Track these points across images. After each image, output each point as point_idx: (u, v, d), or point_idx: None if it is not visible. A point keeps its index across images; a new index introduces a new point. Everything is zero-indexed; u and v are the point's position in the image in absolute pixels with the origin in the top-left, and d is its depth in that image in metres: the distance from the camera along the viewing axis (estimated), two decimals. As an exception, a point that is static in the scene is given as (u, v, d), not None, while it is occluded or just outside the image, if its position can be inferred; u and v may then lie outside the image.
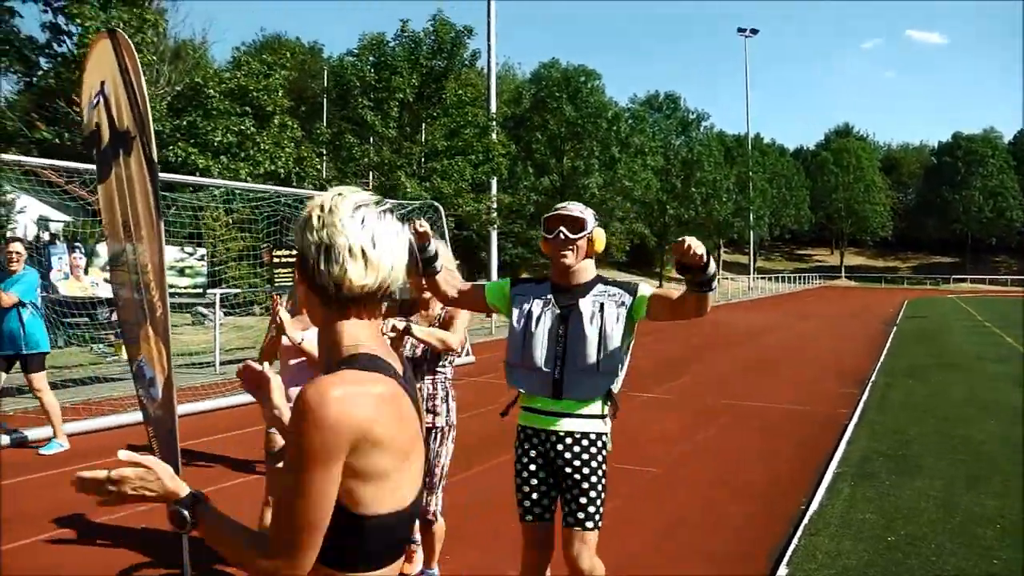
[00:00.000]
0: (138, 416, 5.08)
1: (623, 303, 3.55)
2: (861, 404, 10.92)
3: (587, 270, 3.63)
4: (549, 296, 3.61)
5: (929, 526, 5.87)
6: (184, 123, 22.35)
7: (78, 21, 18.24)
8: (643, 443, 8.69)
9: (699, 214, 57.31)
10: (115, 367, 12.88)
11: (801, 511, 6.23)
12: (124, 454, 1.66)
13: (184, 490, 1.67)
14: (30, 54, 19.23)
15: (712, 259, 3.18)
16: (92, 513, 5.85)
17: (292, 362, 4.81)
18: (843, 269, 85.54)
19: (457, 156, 26.57)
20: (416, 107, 27.45)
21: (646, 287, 3.65)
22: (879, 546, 5.43)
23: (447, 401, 4.49)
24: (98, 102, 4.55)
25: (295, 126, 21.87)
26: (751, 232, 66.31)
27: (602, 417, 3.58)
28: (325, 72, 34.52)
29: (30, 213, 22.74)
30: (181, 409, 6.69)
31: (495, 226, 28.73)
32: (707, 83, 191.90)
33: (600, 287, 3.61)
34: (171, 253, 13.14)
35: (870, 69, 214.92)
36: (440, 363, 4.48)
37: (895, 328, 24.82)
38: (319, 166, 21.98)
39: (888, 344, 19.68)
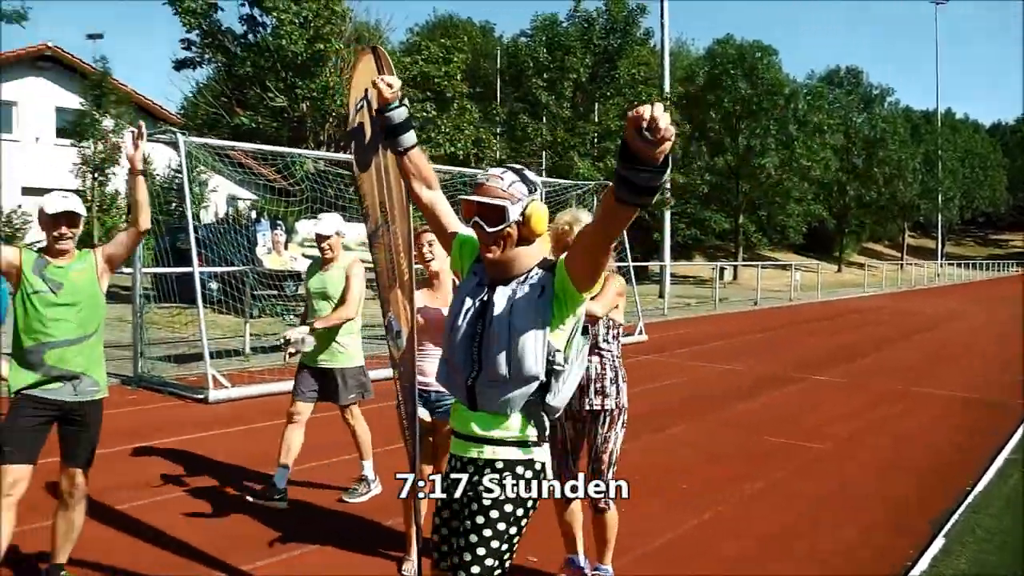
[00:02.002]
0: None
1: (542, 285, 2.73)
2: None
3: (523, 258, 2.80)
4: (484, 280, 2.86)
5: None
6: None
7: (273, 14, 19.44)
8: (812, 421, 8.89)
9: (882, 195, 55.10)
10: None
11: (966, 491, 6.24)
12: None
13: None
14: (229, 45, 20.66)
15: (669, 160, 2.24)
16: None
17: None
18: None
19: (631, 136, 26.67)
20: (589, 87, 27.74)
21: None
22: (1043, 529, 5.41)
23: (616, 382, 4.22)
24: (362, 106, 5.25)
25: (473, 109, 22.58)
26: (939, 215, 63.15)
27: (521, 444, 2.78)
28: (498, 53, 35.24)
29: (220, 191, 24.61)
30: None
31: (668, 207, 28.73)
32: (892, 56, 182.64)
33: (531, 274, 2.79)
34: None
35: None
36: (603, 341, 4.20)
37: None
38: (495, 147, 22.62)
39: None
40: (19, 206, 22.13)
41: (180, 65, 21.51)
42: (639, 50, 31.27)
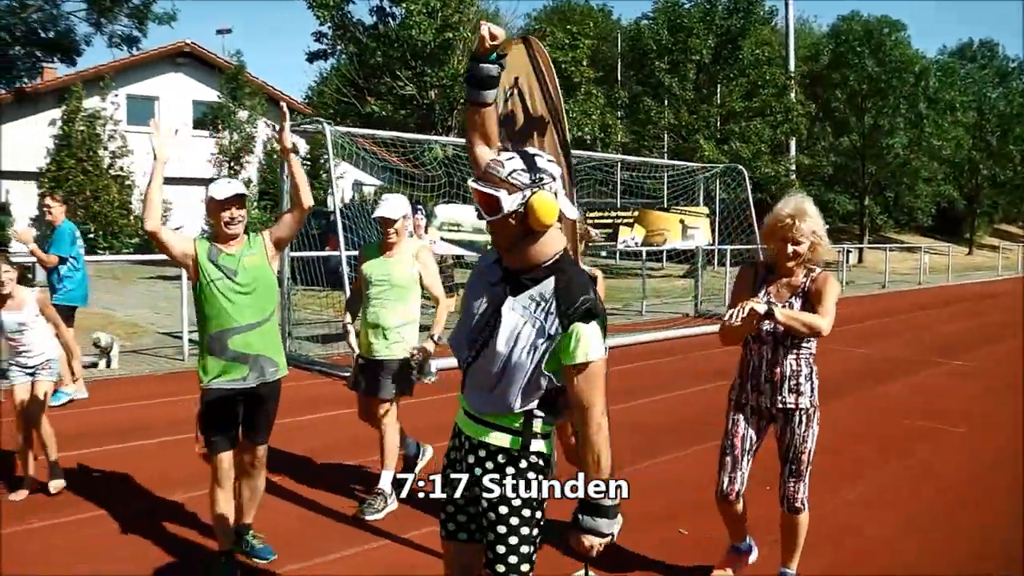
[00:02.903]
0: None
1: (545, 336, 2.60)
2: None
3: (532, 253, 2.66)
4: (501, 267, 2.77)
5: None
6: (498, 93, 23.64)
7: (403, 4, 19.86)
8: (948, 405, 8.93)
9: (1017, 174, 52.65)
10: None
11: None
12: None
13: None
14: (360, 36, 21.21)
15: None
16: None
17: None
18: None
19: (755, 117, 26.35)
20: (712, 68, 27.45)
21: (589, 334, 2.59)
22: None
23: (811, 379, 4.02)
24: (511, 94, 5.46)
25: (599, 94, 22.67)
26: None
27: (521, 432, 2.72)
28: (618, 37, 35.08)
29: (348, 177, 25.29)
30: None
31: (794, 188, 28.22)
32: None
33: (543, 287, 2.64)
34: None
35: None
36: (807, 338, 3.96)
37: None
38: (619, 131, 22.66)
39: None
40: (161, 195, 23.26)
41: (313, 57, 22.24)
42: (762, 30, 30.74)
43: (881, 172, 40.45)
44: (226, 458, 4.34)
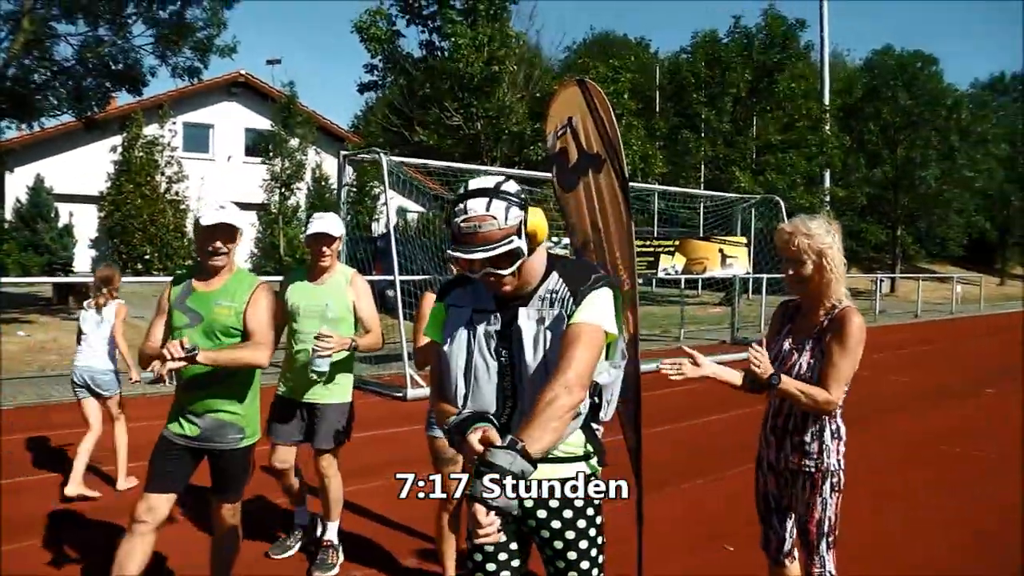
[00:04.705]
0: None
1: (562, 314, 2.48)
2: None
3: (532, 270, 2.53)
4: (490, 305, 2.57)
5: None
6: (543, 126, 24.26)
7: (451, 39, 20.60)
8: (986, 433, 9.17)
9: (1049, 205, 52.56)
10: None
11: None
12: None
13: None
14: (410, 68, 21.97)
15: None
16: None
17: None
18: None
19: (790, 149, 26.87)
20: (749, 101, 28.05)
21: (595, 299, 2.48)
22: None
23: (821, 437, 3.42)
24: (564, 132, 5.77)
25: (639, 125, 23.31)
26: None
27: (585, 458, 2.59)
28: (656, 69, 35.80)
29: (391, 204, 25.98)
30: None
31: (823, 214, 28.62)
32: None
33: (547, 284, 2.55)
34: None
35: None
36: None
37: None
38: (661, 163, 23.27)
39: None
40: (215, 219, 24.18)
41: (364, 88, 23.01)
42: (797, 64, 31.37)
43: (913, 203, 40.72)
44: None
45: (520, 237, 2.41)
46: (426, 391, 9.97)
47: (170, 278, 4.06)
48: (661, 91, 34.20)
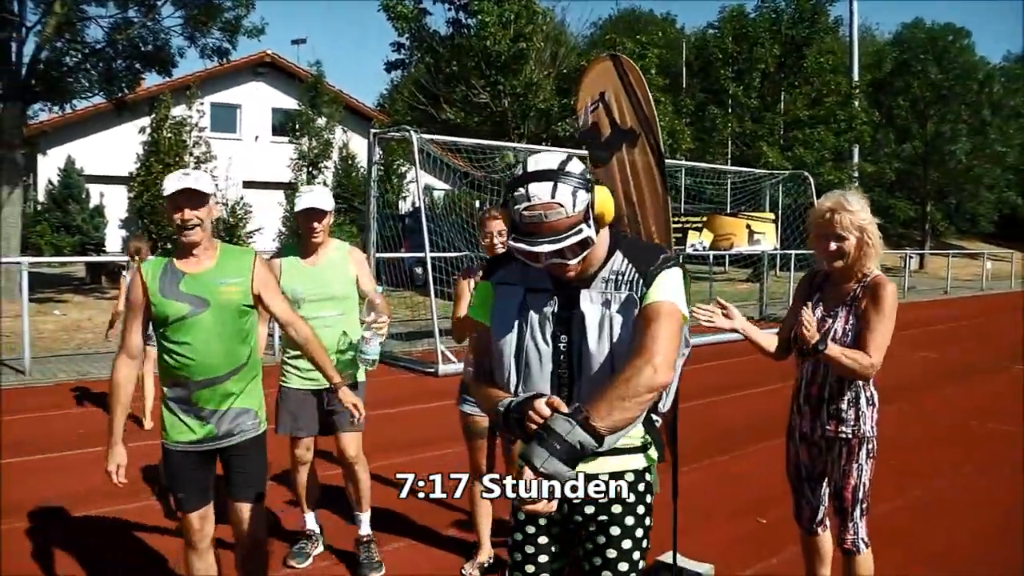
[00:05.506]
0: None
1: (631, 297, 2.28)
2: None
3: (596, 250, 2.32)
4: (546, 285, 2.36)
5: None
6: (571, 102, 24.42)
7: (478, 16, 20.58)
8: (1016, 410, 9.08)
9: (1083, 180, 51.85)
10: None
11: None
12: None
13: None
14: (437, 46, 21.98)
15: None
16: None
17: None
18: None
19: (819, 125, 26.68)
20: (777, 77, 27.85)
21: (667, 279, 2.29)
22: None
23: (857, 405, 3.50)
24: (596, 107, 5.72)
25: (667, 101, 23.23)
26: None
27: (643, 448, 2.43)
28: (683, 45, 35.56)
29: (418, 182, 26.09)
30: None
31: (852, 187, 28.47)
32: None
33: (611, 264, 2.34)
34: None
35: None
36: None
37: None
38: (688, 139, 23.18)
39: None
40: (241, 198, 24.36)
41: (391, 66, 23.07)
42: (826, 39, 31.08)
43: (943, 178, 40.33)
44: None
45: (588, 224, 2.18)
46: (458, 367, 10.15)
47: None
48: (688, 67, 34.01)
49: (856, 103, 28.40)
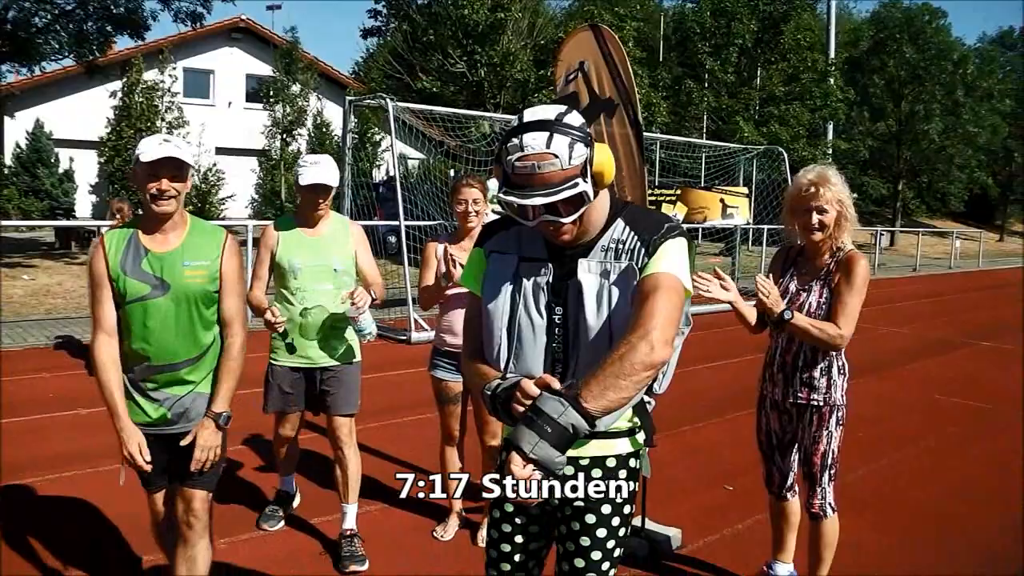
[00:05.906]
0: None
1: (631, 267, 2.13)
2: None
3: (595, 215, 2.18)
4: (541, 254, 2.24)
5: None
6: (548, 73, 24.39)
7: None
8: (981, 384, 9.28)
9: (1053, 162, 52.37)
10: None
11: None
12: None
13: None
14: (414, 14, 21.83)
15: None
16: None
17: (449, 292, 4.29)
18: None
19: (795, 101, 26.78)
20: (754, 52, 27.88)
21: (671, 250, 2.13)
22: None
23: (829, 373, 3.59)
24: (575, 76, 5.71)
25: (643, 74, 23.20)
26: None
27: (630, 433, 2.29)
28: (661, 19, 35.46)
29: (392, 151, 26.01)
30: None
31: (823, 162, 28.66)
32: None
33: (612, 232, 2.20)
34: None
35: None
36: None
37: None
38: (664, 112, 23.20)
39: None
40: (214, 164, 24.18)
41: (367, 33, 22.93)
42: (803, 15, 31.11)
43: (916, 158, 40.57)
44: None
45: (585, 179, 2.04)
46: (430, 335, 10.15)
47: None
48: (666, 41, 33.92)
49: (832, 80, 28.52)
